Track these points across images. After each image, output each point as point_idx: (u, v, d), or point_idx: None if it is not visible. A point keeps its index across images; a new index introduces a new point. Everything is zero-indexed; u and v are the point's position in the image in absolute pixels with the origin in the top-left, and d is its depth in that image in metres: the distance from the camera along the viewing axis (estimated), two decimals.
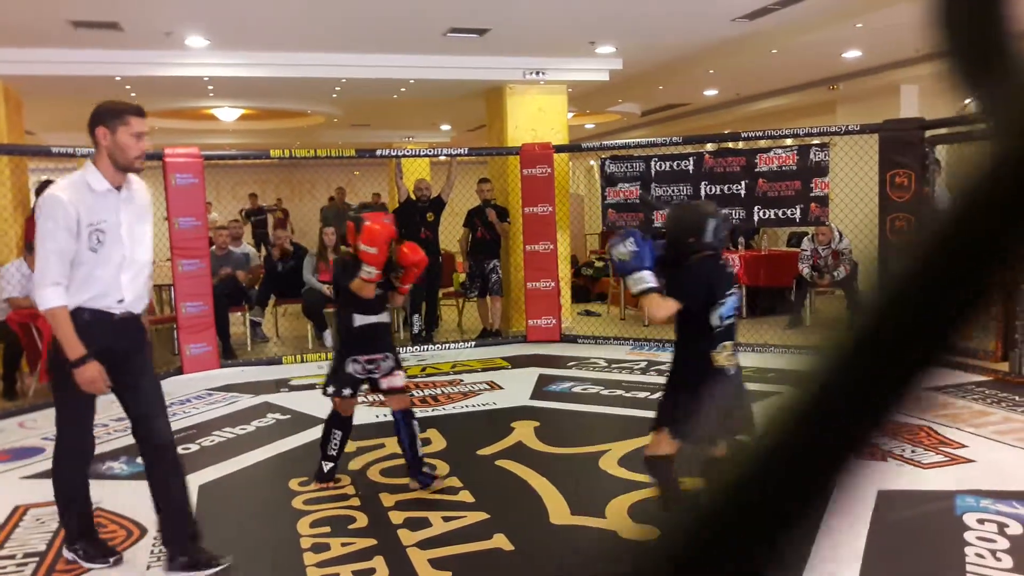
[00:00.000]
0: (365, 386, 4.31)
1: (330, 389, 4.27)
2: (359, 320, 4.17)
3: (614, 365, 7.26)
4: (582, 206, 16.33)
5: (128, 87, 9.79)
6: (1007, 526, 3.47)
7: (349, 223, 4.19)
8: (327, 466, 4.33)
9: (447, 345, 8.43)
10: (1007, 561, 3.16)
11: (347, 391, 4.24)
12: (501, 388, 6.55)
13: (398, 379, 4.30)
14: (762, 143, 8.15)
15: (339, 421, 4.35)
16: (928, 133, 6.98)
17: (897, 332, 0.34)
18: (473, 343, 8.53)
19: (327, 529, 3.73)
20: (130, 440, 5.30)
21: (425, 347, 8.33)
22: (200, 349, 7.54)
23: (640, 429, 4.88)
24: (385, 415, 5.74)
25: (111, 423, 5.83)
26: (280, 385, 6.93)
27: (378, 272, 4.02)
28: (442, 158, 9.38)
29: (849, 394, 0.35)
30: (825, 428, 0.36)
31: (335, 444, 4.33)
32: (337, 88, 10.27)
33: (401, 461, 4.68)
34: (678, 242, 3.27)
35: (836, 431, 0.36)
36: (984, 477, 4.09)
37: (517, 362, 7.55)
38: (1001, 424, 5.03)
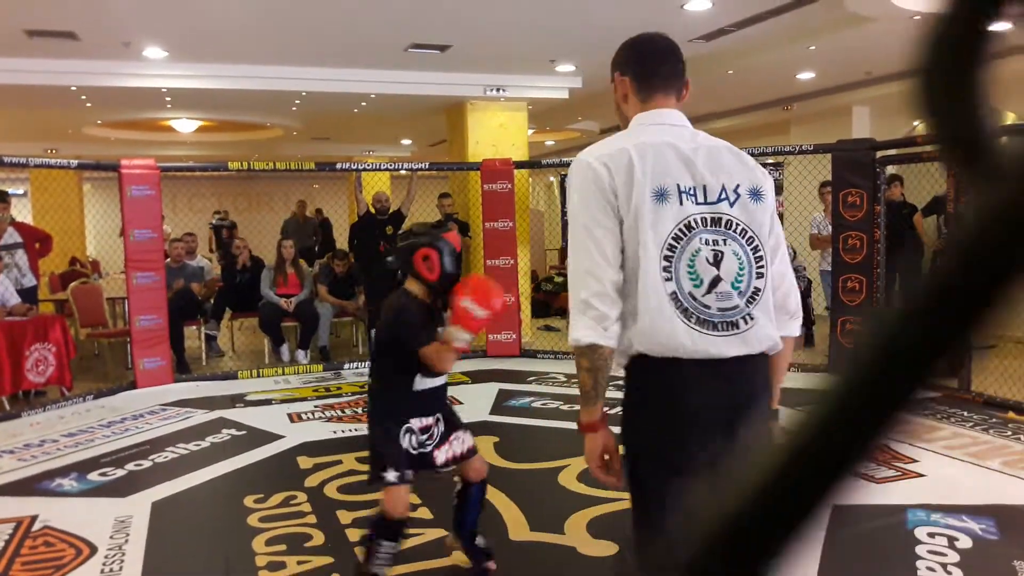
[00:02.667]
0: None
1: (391, 476, 2.94)
2: (422, 384, 3.01)
3: (574, 380, 7.27)
4: (542, 222, 16.40)
5: (84, 97, 9.65)
6: (957, 540, 3.54)
7: (427, 251, 2.95)
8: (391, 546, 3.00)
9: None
10: (957, 574, 3.23)
11: (408, 473, 2.98)
12: (460, 403, 6.52)
13: (469, 438, 3.22)
14: None
15: (389, 527, 3.00)
16: (879, 153, 7.15)
17: (891, 364, 0.35)
18: None
19: (283, 547, 3.68)
20: (80, 456, 5.25)
21: None
22: (154, 363, 7.42)
23: None
24: (344, 431, 5.71)
25: (61, 439, 5.71)
26: (236, 400, 6.84)
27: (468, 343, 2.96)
28: (403, 172, 9.38)
29: (847, 421, 0.36)
30: (823, 456, 0.37)
31: (382, 561, 2.98)
32: (297, 101, 10.22)
33: (359, 477, 4.64)
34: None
35: (833, 457, 0.37)
36: (934, 491, 4.18)
37: (477, 377, 7.54)
38: (951, 439, 5.14)
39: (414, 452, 3.01)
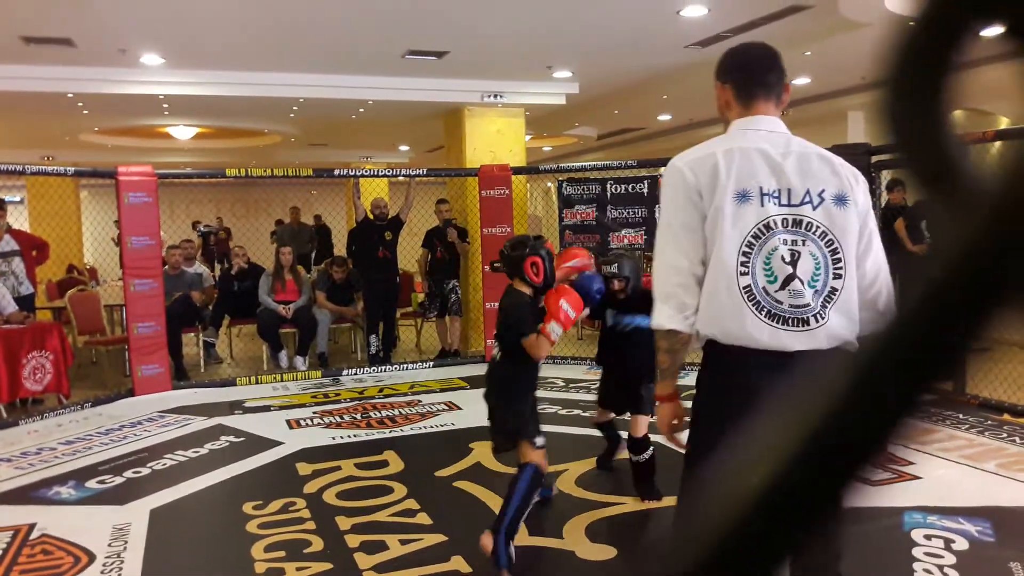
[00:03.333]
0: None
1: (540, 440, 3.55)
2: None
3: (572, 385, 7.30)
4: (540, 227, 16.41)
5: (81, 104, 9.66)
6: (953, 542, 3.56)
7: (535, 259, 3.56)
8: (511, 548, 3.35)
9: (405, 366, 8.41)
10: None
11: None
12: (460, 408, 6.54)
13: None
14: None
15: (542, 479, 3.57)
16: (875, 158, 7.17)
17: (907, 363, 0.37)
18: (431, 363, 8.51)
19: (282, 553, 3.68)
20: (78, 464, 5.25)
21: (383, 368, 8.29)
22: (152, 370, 7.42)
23: (598, 449, 4.92)
24: (342, 437, 5.72)
25: (59, 446, 5.71)
26: (234, 407, 6.84)
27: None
28: (400, 178, 9.39)
29: (856, 429, 0.38)
30: (830, 457, 0.39)
31: (532, 506, 3.51)
32: (295, 108, 10.24)
33: (358, 483, 4.65)
34: (637, 287, 4.17)
35: (841, 461, 0.38)
36: (931, 493, 4.19)
37: (476, 382, 7.53)
38: (947, 442, 5.16)
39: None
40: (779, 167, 2.12)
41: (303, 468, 4.99)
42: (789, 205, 2.11)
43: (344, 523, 4.02)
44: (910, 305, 0.36)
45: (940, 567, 3.31)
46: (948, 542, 3.55)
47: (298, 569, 3.50)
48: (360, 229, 8.76)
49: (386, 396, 7.13)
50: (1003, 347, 8.32)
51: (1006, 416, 5.75)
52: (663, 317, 2.18)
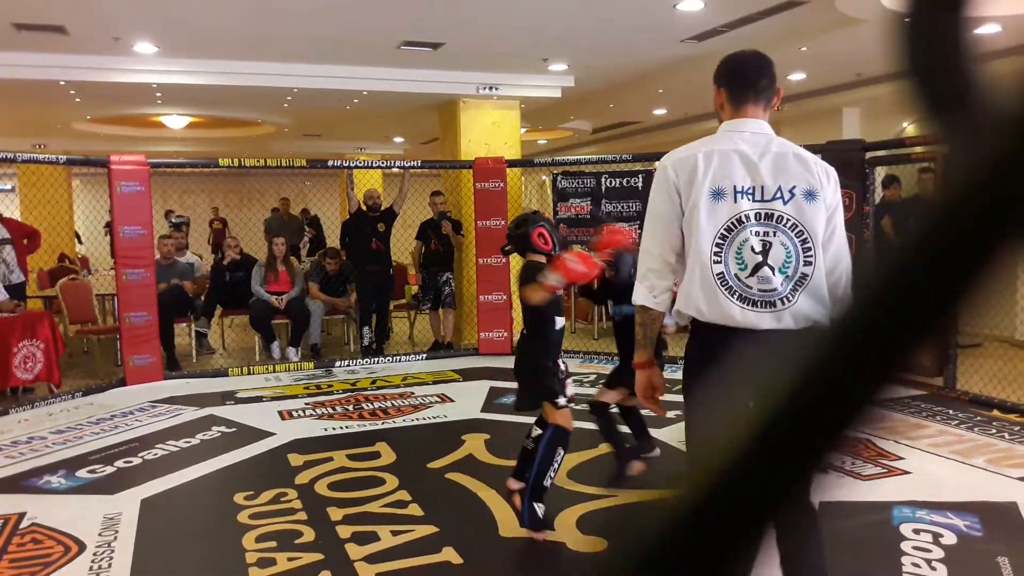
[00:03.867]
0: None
1: (562, 400, 3.66)
2: (559, 323, 3.76)
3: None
4: None
5: (73, 92, 9.61)
6: (942, 536, 3.58)
7: (540, 229, 3.76)
8: (540, 509, 3.64)
9: (398, 358, 8.40)
10: (942, 570, 3.26)
11: (566, 397, 3.74)
12: (452, 401, 6.54)
13: (571, 387, 3.84)
14: None
15: (566, 438, 3.69)
16: (869, 154, 7.19)
17: (859, 349, 0.37)
18: (424, 356, 8.51)
19: (273, 544, 3.68)
20: (69, 453, 5.23)
21: (376, 360, 8.28)
22: (144, 360, 7.40)
23: (589, 441, 4.93)
24: (334, 428, 5.72)
25: (50, 436, 5.70)
26: (226, 398, 6.83)
27: (559, 287, 3.60)
28: (395, 170, 9.37)
29: (812, 409, 0.37)
30: (788, 442, 0.38)
31: (554, 472, 3.69)
32: (288, 98, 10.20)
33: (350, 475, 4.65)
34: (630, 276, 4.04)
35: (799, 445, 0.38)
36: (920, 488, 4.21)
37: (468, 375, 7.55)
38: (936, 437, 5.19)
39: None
40: (755, 166, 2.36)
41: (295, 459, 4.99)
42: (762, 200, 2.35)
43: (336, 514, 4.02)
44: (868, 291, 0.36)
45: (928, 561, 3.33)
46: (936, 536, 3.57)
47: (289, 559, 3.50)
48: (353, 220, 8.74)
49: (379, 388, 7.13)
50: (993, 343, 8.36)
51: (995, 412, 5.78)
52: (637, 295, 2.52)
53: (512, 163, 8.91)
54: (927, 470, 4.54)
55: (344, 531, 3.80)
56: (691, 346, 2.50)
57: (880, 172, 7.91)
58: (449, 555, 3.51)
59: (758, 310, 2.34)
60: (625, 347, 4.40)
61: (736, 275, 2.34)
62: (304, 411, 6.30)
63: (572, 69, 9.22)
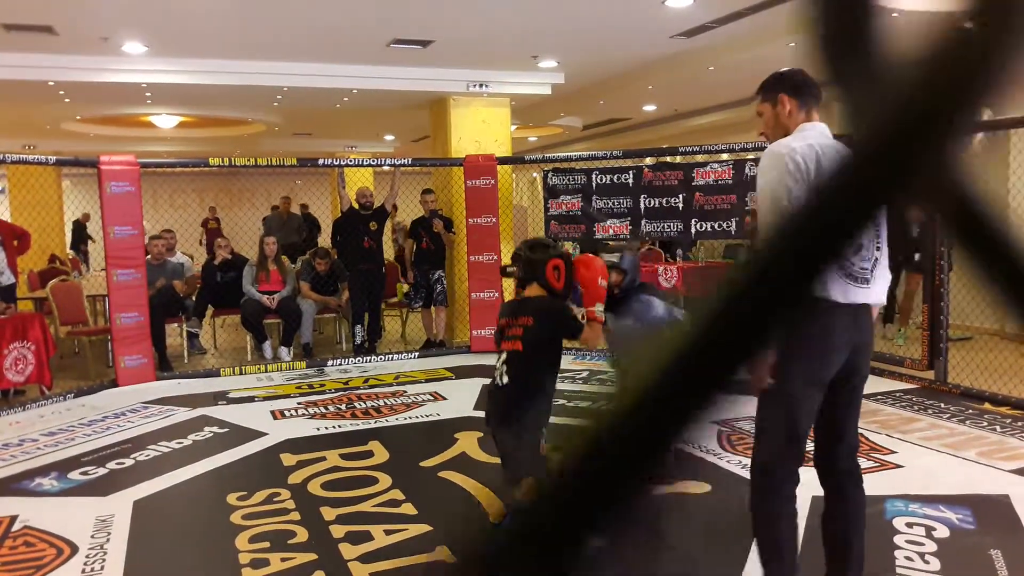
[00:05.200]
0: None
1: None
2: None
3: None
4: (525, 217, 16.40)
5: (62, 92, 9.57)
6: (935, 529, 3.59)
7: (558, 261, 3.32)
8: None
9: (390, 356, 8.39)
10: (935, 563, 3.27)
11: None
12: (445, 399, 6.54)
13: None
14: (699, 158, 8.31)
15: None
16: None
17: (694, 359, 0.37)
18: (417, 354, 8.51)
19: (266, 544, 3.68)
20: (61, 455, 5.21)
21: (368, 358, 8.27)
22: (135, 361, 7.37)
23: None
24: (327, 427, 5.71)
25: (41, 438, 5.67)
26: (218, 398, 6.81)
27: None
28: (386, 168, 9.35)
29: (644, 420, 0.38)
30: (621, 451, 0.38)
31: None
32: (278, 96, 10.17)
33: (343, 474, 4.65)
34: (633, 282, 4.06)
35: (631, 453, 0.38)
36: (912, 482, 4.23)
37: (461, 372, 7.54)
38: (928, 430, 5.21)
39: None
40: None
41: (287, 459, 4.97)
42: None
43: (329, 514, 4.01)
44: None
45: (921, 554, 3.35)
46: (929, 530, 3.59)
47: (282, 560, 3.50)
48: (345, 219, 8.72)
49: (371, 387, 7.12)
50: (984, 336, 8.40)
51: (987, 405, 5.80)
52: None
53: (503, 160, 8.91)
54: (919, 463, 4.56)
55: (337, 531, 3.80)
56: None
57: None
58: (443, 554, 3.51)
59: (859, 286, 2.65)
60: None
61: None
62: (296, 411, 6.29)
63: (562, 66, 9.22)
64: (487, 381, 6.99)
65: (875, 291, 2.69)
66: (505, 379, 3.27)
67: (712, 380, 0.37)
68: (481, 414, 6.02)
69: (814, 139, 2.69)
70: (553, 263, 3.29)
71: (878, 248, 2.71)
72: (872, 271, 2.68)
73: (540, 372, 3.28)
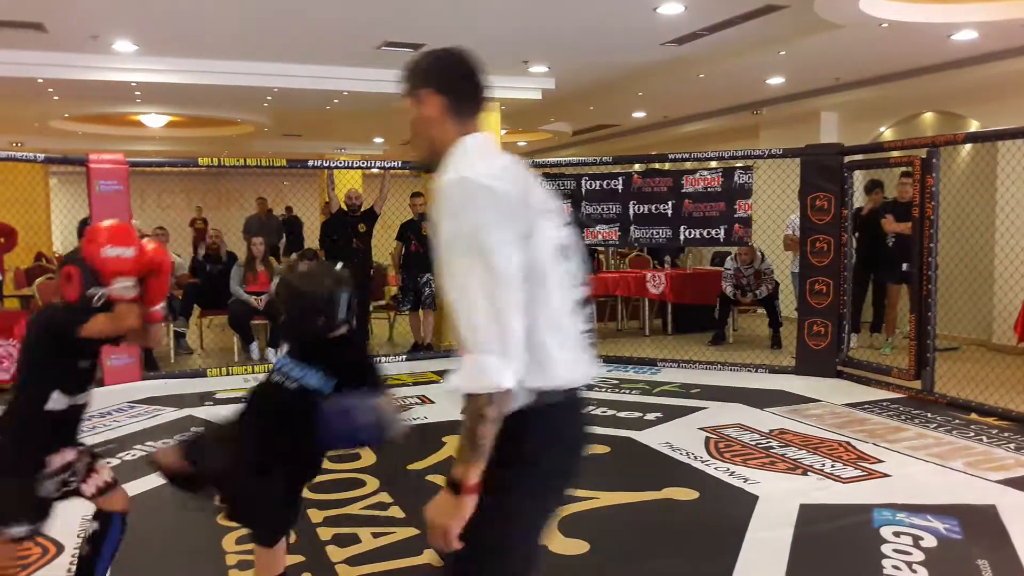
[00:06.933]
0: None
1: (20, 530, 2.61)
2: (60, 402, 2.65)
3: None
4: None
5: (51, 90, 9.51)
6: (922, 538, 3.61)
7: (70, 268, 2.61)
8: None
9: (378, 359, 8.34)
10: (922, 572, 3.29)
11: (40, 524, 2.69)
12: (432, 402, 6.53)
13: (105, 472, 2.95)
14: (688, 165, 8.34)
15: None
16: (847, 158, 7.25)
17: None
18: (404, 357, 8.48)
19: (253, 546, 3.64)
20: None
21: None
22: (121, 360, 7.32)
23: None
24: None
25: None
26: (204, 398, 6.77)
27: (135, 286, 2.60)
28: (375, 171, 9.33)
29: None
30: None
31: None
32: (268, 97, 10.14)
33: (329, 477, 4.62)
34: (302, 327, 2.67)
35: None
36: (900, 491, 4.25)
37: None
38: (915, 440, 5.23)
39: (55, 497, 2.71)
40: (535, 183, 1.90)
41: None
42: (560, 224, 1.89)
43: (316, 516, 3.99)
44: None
45: (909, 564, 3.36)
46: (917, 539, 3.60)
47: None
48: (334, 220, 8.70)
49: None
50: (971, 347, 8.46)
51: (973, 415, 5.84)
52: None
53: None
54: (906, 472, 4.58)
55: (325, 533, 3.78)
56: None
57: (858, 176, 7.97)
58: (430, 557, 3.48)
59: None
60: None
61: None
62: None
63: (552, 71, 9.23)
64: None
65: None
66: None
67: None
68: None
69: (505, 161, 1.88)
70: (65, 271, 2.63)
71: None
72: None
73: (34, 384, 2.66)
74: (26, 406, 2.65)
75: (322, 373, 2.58)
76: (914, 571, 3.30)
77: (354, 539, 3.71)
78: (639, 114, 12.52)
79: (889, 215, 7.79)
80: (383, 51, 8.15)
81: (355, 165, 9.53)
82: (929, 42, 7.57)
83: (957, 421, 5.69)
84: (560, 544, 3.63)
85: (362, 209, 8.64)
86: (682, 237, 8.08)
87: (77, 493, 2.83)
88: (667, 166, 8.75)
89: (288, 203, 15.49)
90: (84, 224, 7.29)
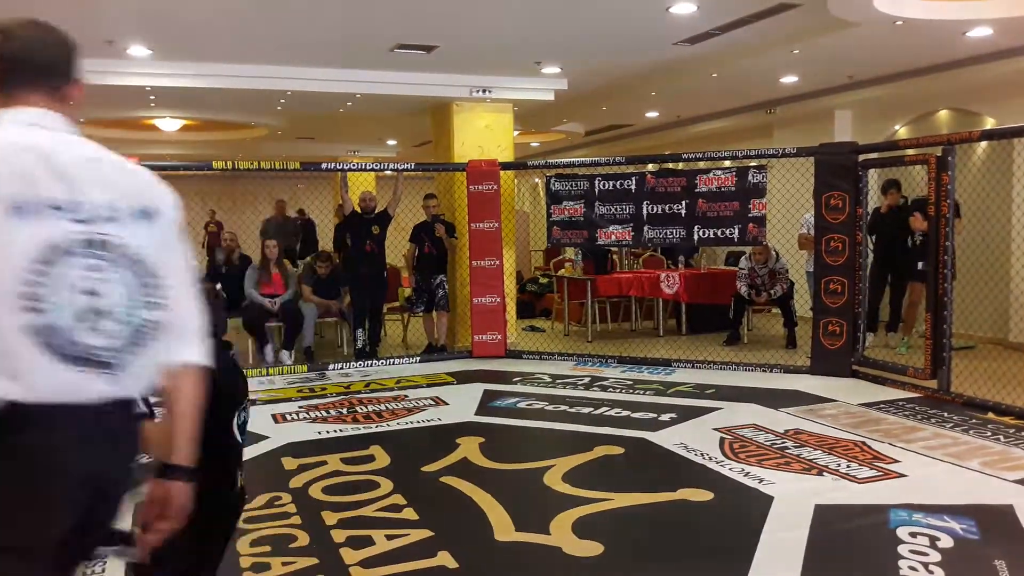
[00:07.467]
0: None
1: None
2: None
3: (558, 380, 7.30)
4: (527, 223, 16.43)
5: None
6: (938, 539, 3.58)
7: None
8: None
9: (392, 360, 8.38)
10: (939, 573, 3.26)
11: None
12: (446, 404, 6.53)
13: None
14: (702, 164, 8.31)
15: None
16: (861, 157, 7.21)
17: None
18: (418, 358, 8.49)
19: (268, 548, 3.67)
20: None
21: (369, 362, 8.26)
22: None
23: (584, 445, 4.93)
24: (328, 431, 5.70)
25: None
26: None
27: None
28: (388, 173, 9.36)
29: None
30: None
31: None
32: (282, 101, 10.18)
33: (344, 478, 4.64)
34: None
35: None
36: (916, 491, 4.22)
37: (462, 377, 7.53)
38: (931, 440, 5.19)
39: None
40: (66, 172, 1.69)
41: (288, 463, 4.96)
42: (86, 222, 1.65)
43: (330, 518, 4.00)
44: None
45: (925, 564, 3.33)
46: (933, 540, 3.57)
47: (284, 564, 3.48)
48: (348, 222, 8.73)
49: (372, 391, 7.11)
50: (987, 345, 8.39)
51: (990, 414, 5.79)
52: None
53: (505, 166, 8.91)
54: (923, 473, 4.54)
55: (339, 535, 3.79)
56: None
57: (873, 175, 7.92)
58: (444, 559, 3.49)
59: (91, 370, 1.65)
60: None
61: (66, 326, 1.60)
62: (297, 414, 6.28)
63: (565, 72, 9.22)
64: (489, 386, 7.01)
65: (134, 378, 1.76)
66: None
67: None
68: (483, 419, 6.03)
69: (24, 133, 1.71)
70: None
71: (154, 306, 1.73)
72: (132, 347, 1.71)
73: None
74: None
75: None
76: (931, 572, 3.27)
77: (368, 541, 3.71)
78: (652, 114, 12.48)
79: (917, 213, 7.69)
80: (396, 53, 8.16)
81: (368, 167, 9.54)
82: (944, 39, 7.51)
83: (974, 420, 5.64)
84: (574, 545, 3.63)
85: (376, 211, 8.67)
86: (696, 237, 8.05)
87: None
88: (680, 166, 8.73)
89: (301, 205, 15.53)
90: None
